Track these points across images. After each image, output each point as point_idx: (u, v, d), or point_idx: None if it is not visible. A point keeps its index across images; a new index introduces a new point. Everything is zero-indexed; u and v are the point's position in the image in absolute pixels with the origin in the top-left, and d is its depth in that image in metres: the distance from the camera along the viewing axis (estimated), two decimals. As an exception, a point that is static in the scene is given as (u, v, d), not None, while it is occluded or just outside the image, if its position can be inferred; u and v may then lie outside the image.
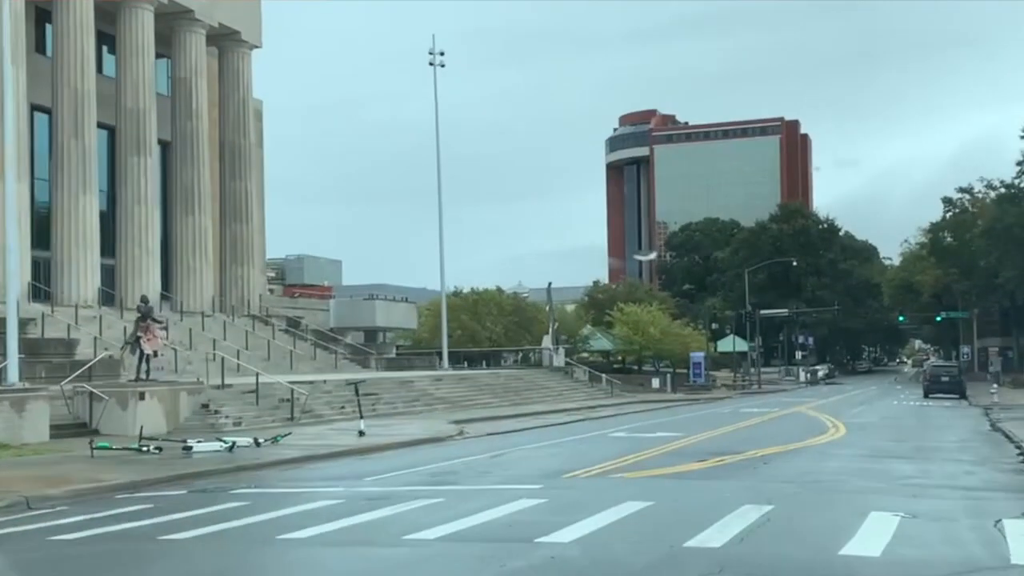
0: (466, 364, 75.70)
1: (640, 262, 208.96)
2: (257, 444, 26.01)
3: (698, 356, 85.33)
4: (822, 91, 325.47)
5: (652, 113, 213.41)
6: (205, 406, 33.74)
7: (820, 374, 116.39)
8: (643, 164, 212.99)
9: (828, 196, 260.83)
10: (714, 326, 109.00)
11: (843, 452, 23.50)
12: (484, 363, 74.82)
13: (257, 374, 37.08)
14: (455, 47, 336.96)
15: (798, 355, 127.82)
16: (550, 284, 69.58)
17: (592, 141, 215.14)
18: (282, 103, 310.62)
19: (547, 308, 71.59)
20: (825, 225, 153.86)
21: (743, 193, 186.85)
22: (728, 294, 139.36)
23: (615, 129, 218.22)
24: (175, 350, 43.88)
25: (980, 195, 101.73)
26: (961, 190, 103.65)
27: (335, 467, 21.59)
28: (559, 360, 67.32)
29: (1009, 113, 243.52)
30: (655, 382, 77.69)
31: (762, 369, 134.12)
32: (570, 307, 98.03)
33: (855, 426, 33.00)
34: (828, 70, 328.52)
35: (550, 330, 68.70)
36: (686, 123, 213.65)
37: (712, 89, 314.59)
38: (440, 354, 66.25)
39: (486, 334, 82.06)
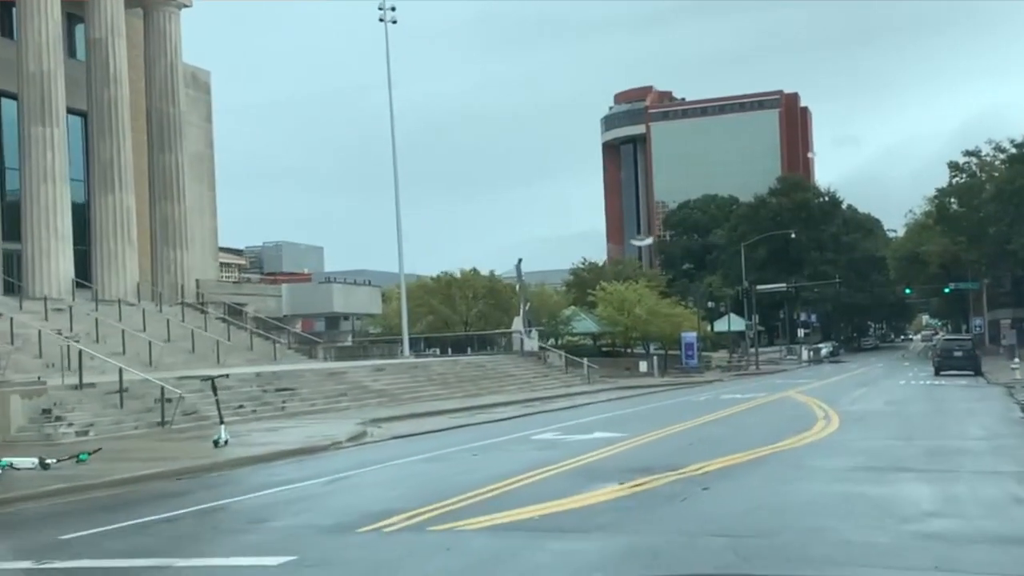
0: (437, 351, 68.89)
1: (639, 245, 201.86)
2: (44, 466, 19.09)
3: (690, 336, 78.25)
4: (821, 70, 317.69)
5: (648, 90, 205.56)
6: (47, 411, 26.82)
7: (823, 352, 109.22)
8: (640, 143, 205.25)
9: (830, 175, 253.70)
10: (710, 305, 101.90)
11: (827, 463, 16.43)
12: (450, 350, 67.89)
13: (120, 369, 30.06)
14: (455, 35, 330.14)
15: (800, 333, 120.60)
16: (520, 261, 62.67)
17: (590, 124, 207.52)
18: (281, 93, 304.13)
19: (516, 288, 64.56)
20: (826, 198, 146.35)
21: (743, 170, 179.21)
22: (727, 272, 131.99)
23: (610, 107, 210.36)
24: (66, 345, 36.97)
25: (988, 158, 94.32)
26: (968, 153, 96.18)
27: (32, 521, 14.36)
28: (532, 344, 60.30)
29: (1011, 87, 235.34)
30: (643, 365, 70.76)
31: (763, 349, 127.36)
32: (560, 288, 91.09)
33: (852, 416, 25.97)
34: (826, 49, 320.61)
35: (521, 312, 61.67)
36: (683, 99, 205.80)
37: (709, 68, 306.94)
38: (412, 340, 59.48)
39: (459, 318, 75.28)
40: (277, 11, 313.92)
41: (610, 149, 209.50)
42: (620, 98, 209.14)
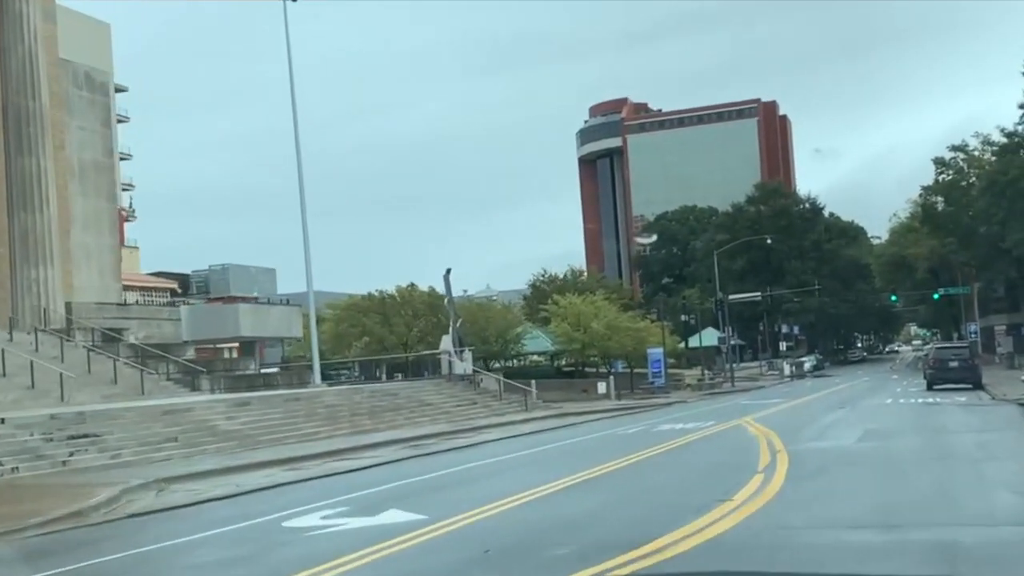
0: (362, 377, 60.06)
1: (619, 256, 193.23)
2: None
3: (656, 353, 69.41)
4: (799, 84, 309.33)
5: (623, 102, 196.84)
6: None
7: (807, 366, 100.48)
8: (616, 156, 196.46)
9: (811, 187, 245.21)
10: (684, 318, 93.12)
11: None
12: (384, 376, 59.11)
13: None
14: (440, 57, 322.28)
15: (783, 347, 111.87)
16: (448, 271, 53.76)
17: (570, 140, 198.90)
18: (251, 123, 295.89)
19: (445, 301, 55.76)
20: (807, 205, 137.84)
21: (723, 180, 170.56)
22: (706, 285, 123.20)
23: (585, 121, 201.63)
24: None
25: (976, 152, 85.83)
26: (955, 148, 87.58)
27: None
28: (463, 367, 51.41)
29: (992, 98, 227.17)
30: (601, 387, 61.84)
31: (744, 364, 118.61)
32: (511, 304, 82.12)
33: (809, 464, 16.84)
34: (804, 64, 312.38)
35: (451, 329, 52.83)
36: (659, 110, 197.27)
37: (687, 85, 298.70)
38: (343, 365, 50.74)
39: (397, 340, 66.46)
40: (259, 39, 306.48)
41: (586, 164, 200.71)
42: (595, 111, 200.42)
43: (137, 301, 56.36)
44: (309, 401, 37.87)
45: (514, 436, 32.56)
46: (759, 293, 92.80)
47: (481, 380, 50.71)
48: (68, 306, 49.14)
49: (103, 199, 61.40)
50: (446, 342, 52.37)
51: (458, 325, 53.07)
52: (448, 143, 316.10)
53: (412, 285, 68.84)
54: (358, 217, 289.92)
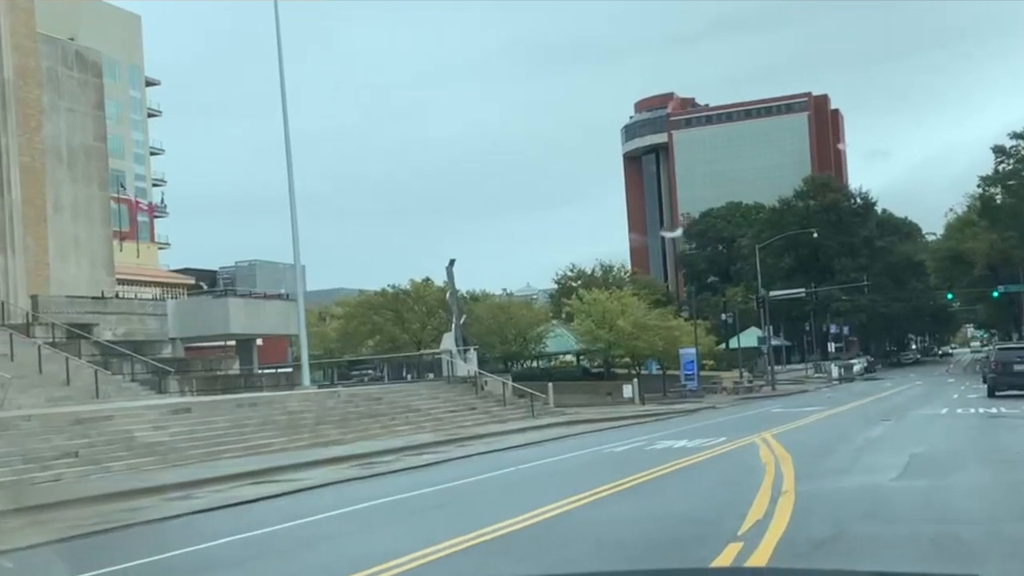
0: (364, 379, 54.96)
1: (664, 256, 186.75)
2: None
3: (688, 353, 63.60)
4: (852, 82, 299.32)
5: (669, 97, 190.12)
6: None
7: (856, 369, 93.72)
8: (662, 152, 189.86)
9: (862, 186, 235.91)
10: (724, 317, 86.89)
11: None
12: (386, 377, 53.95)
13: None
14: (488, 61, 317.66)
15: (831, 348, 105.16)
16: (452, 262, 48.34)
17: (616, 140, 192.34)
18: (311, 125, 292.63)
19: (447, 296, 50.44)
20: (858, 200, 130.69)
21: (771, 177, 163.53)
22: (751, 283, 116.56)
23: (631, 116, 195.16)
24: None
25: (1040, 139, 79.02)
26: (1016, 136, 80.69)
27: None
28: (467, 367, 45.97)
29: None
30: (627, 390, 56.12)
31: (790, 366, 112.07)
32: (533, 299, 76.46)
33: (818, 525, 10.95)
34: (856, 62, 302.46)
35: (452, 327, 47.45)
36: (706, 105, 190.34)
37: (735, 82, 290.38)
38: (355, 363, 45.62)
39: (410, 338, 61.22)
40: (306, 46, 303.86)
41: (631, 161, 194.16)
42: (640, 106, 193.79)
43: (117, 295, 51.41)
44: (268, 407, 32.60)
45: (493, 451, 27.11)
46: (803, 290, 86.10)
47: (486, 383, 45.23)
48: (34, 299, 44.42)
49: (95, 186, 56.84)
50: (448, 341, 46.98)
51: (461, 322, 47.67)
52: (496, 145, 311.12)
53: (427, 280, 63.60)
54: (404, 218, 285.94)
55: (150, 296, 57.47)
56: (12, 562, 11.70)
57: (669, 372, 68.07)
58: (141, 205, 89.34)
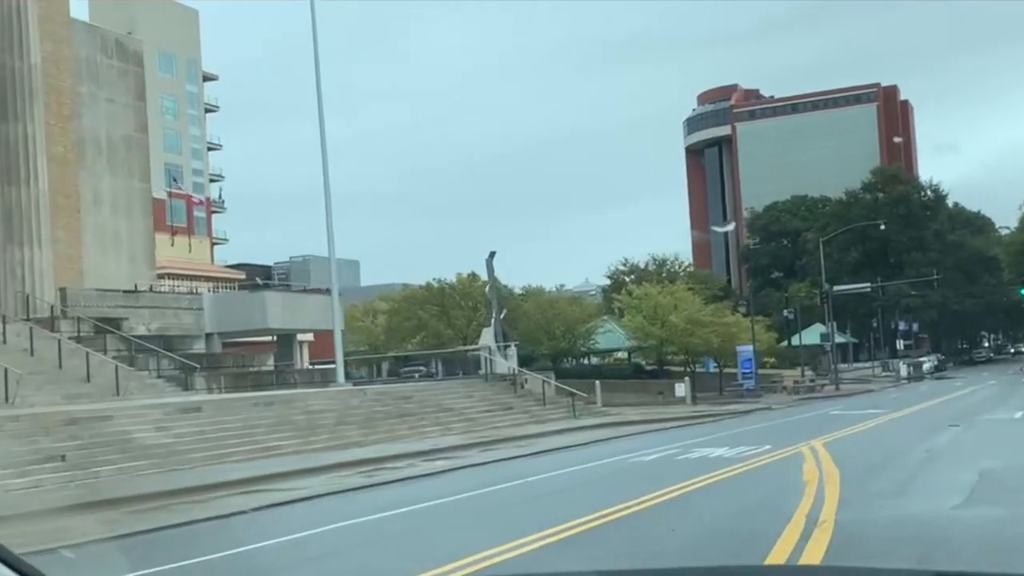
0: (415, 376, 52.98)
1: (727, 251, 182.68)
2: None
3: (746, 351, 60.73)
4: (920, 74, 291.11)
5: (733, 88, 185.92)
6: None
7: (926, 367, 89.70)
8: (725, 145, 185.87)
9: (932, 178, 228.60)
10: (785, 313, 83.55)
11: None
12: (439, 372, 51.80)
13: None
14: (554, 57, 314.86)
15: (900, 345, 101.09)
16: (492, 255, 46.04)
17: (679, 136, 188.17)
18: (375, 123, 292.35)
19: (487, 290, 48.19)
20: (929, 192, 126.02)
21: (838, 170, 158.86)
22: (816, 279, 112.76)
23: (693, 109, 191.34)
24: None
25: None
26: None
27: None
28: (506, 364, 43.65)
29: None
30: (679, 389, 53.43)
31: (856, 364, 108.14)
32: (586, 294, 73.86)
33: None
34: (926, 55, 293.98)
35: (492, 322, 45.19)
36: (771, 97, 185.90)
37: (801, 74, 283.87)
38: (397, 358, 43.62)
39: (455, 333, 59.11)
40: (378, 46, 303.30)
41: (693, 154, 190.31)
42: (703, 98, 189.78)
43: (152, 288, 49.78)
44: (287, 406, 30.57)
45: (516, 457, 24.74)
46: (868, 284, 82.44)
47: (525, 380, 42.85)
48: (62, 292, 42.96)
49: (135, 179, 55.53)
50: (487, 336, 44.68)
51: (502, 317, 45.36)
52: (558, 141, 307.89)
53: (472, 274, 61.36)
54: (464, 216, 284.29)
55: (186, 290, 55.79)
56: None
57: (727, 370, 65.23)
58: (195, 200, 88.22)
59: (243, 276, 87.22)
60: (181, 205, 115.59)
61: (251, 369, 43.32)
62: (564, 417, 39.69)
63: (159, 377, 38.06)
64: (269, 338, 54.73)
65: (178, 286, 65.91)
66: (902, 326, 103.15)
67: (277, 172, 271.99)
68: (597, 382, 52.43)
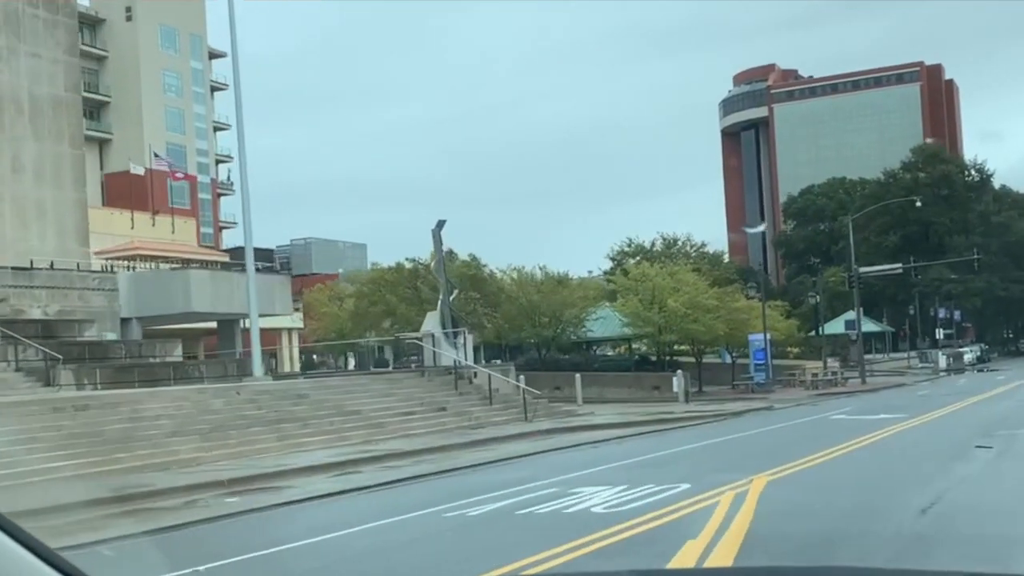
0: (352, 366, 45.67)
1: (764, 237, 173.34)
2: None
3: (757, 340, 52.70)
4: (966, 60, 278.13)
5: (770, 68, 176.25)
6: None
7: (967, 358, 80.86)
8: (762, 127, 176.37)
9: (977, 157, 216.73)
10: (812, 298, 75.04)
11: None
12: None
13: None
14: (591, 50, 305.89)
15: (939, 335, 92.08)
16: (440, 224, 38.36)
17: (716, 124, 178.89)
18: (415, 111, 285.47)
19: (432, 265, 40.70)
20: (973, 172, 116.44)
21: (879, 153, 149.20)
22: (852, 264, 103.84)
23: (729, 90, 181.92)
24: None
25: None
26: None
27: None
28: (453, 354, 36.04)
29: None
30: (676, 384, 45.42)
31: (893, 354, 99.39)
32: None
33: None
34: (972, 39, 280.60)
35: (439, 304, 37.69)
36: (810, 77, 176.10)
37: (843, 59, 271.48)
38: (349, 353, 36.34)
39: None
40: (414, 35, 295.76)
41: (729, 137, 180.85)
42: (739, 79, 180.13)
43: (52, 264, 42.64)
44: (109, 410, 23.17)
45: (361, 489, 17.19)
46: (900, 265, 73.73)
47: (475, 374, 35.20)
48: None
49: (65, 144, 48.50)
50: (431, 322, 37.11)
51: (452, 298, 37.81)
52: (599, 131, 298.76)
53: (450, 252, 53.70)
54: (508, 204, 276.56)
55: (99, 268, 48.61)
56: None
57: (743, 360, 57.32)
58: (176, 175, 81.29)
59: (227, 258, 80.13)
60: (184, 186, 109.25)
61: (151, 360, 36.12)
62: (513, 420, 32.06)
63: (17, 370, 30.94)
64: (213, 324, 47.62)
65: (135, 267, 59.02)
66: (942, 314, 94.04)
67: (301, 156, 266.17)
68: (577, 376, 44.86)
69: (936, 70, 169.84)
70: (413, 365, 39.03)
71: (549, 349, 53.72)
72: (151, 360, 35.91)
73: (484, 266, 53.21)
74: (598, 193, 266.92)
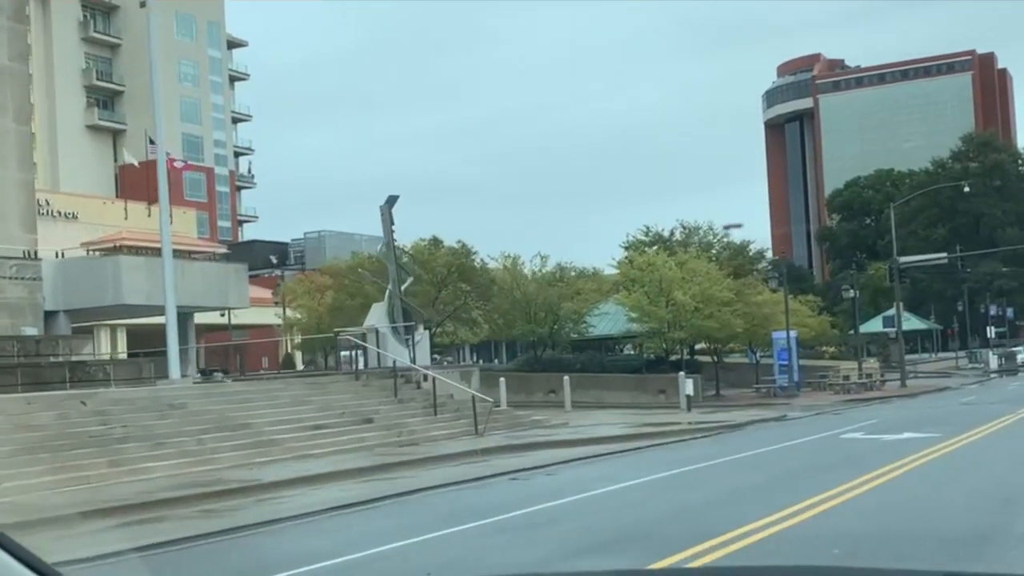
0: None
1: (808, 233, 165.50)
2: None
3: (781, 338, 46.17)
4: (1019, 47, 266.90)
5: (816, 58, 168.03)
6: None
7: (1020, 358, 73.28)
8: (806, 119, 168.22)
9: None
10: (849, 290, 67.94)
11: None
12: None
13: None
14: (639, 48, 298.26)
15: (990, 333, 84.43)
16: (391, 199, 32.21)
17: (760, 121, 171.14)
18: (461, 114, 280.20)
19: (379, 249, 34.69)
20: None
21: (928, 145, 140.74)
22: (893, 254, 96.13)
23: (773, 81, 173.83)
24: None
25: None
26: None
27: None
28: (406, 353, 29.99)
29: None
30: (687, 387, 38.80)
31: (941, 354, 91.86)
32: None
33: None
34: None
35: (386, 296, 31.61)
36: (856, 67, 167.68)
37: (891, 51, 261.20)
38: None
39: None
40: (455, 40, 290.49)
41: (773, 129, 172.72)
42: (783, 69, 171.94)
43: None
44: None
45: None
46: (944, 255, 66.46)
47: (423, 378, 29.09)
48: None
49: (8, 118, 43.13)
50: (376, 315, 31.08)
51: (404, 287, 31.74)
52: (640, 129, 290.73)
53: (435, 239, 47.72)
54: (539, 205, 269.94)
55: (21, 255, 43.16)
56: None
57: (768, 361, 50.82)
58: (175, 163, 75.73)
59: (224, 249, 74.67)
60: (200, 179, 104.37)
61: (53, 359, 30.52)
62: (460, 434, 25.98)
63: None
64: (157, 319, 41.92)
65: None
66: (993, 311, 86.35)
67: (344, 155, 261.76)
68: (566, 378, 38.73)
69: (988, 59, 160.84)
70: (349, 366, 32.91)
71: (547, 348, 47.52)
72: (50, 359, 30.34)
73: (474, 254, 47.01)
74: (639, 192, 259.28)
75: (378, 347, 29.53)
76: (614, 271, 55.89)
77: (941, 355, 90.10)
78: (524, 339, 49.16)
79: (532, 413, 32.55)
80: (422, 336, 31.57)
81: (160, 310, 39.58)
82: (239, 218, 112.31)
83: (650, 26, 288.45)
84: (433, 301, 46.26)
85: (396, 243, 32.66)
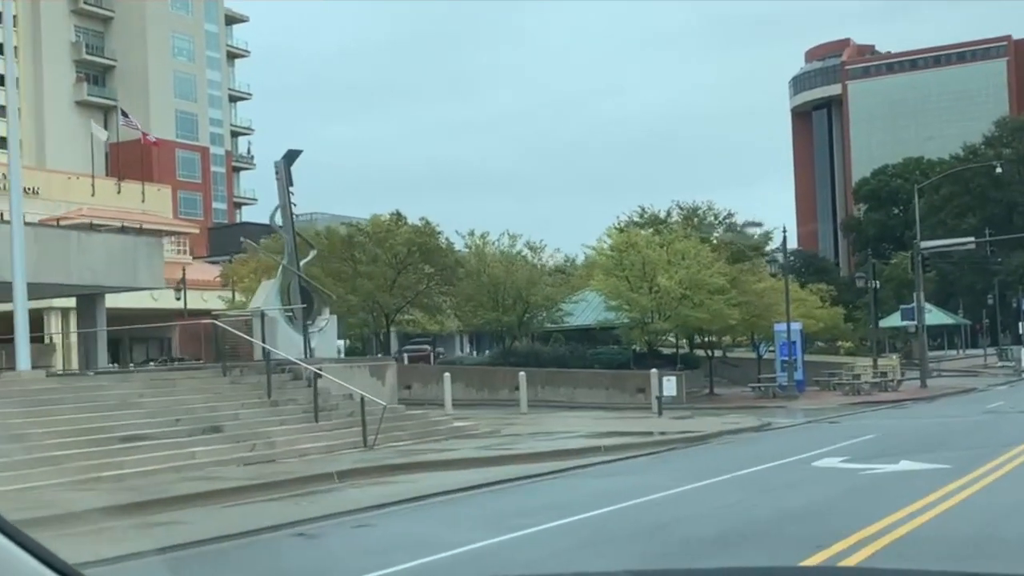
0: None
1: (835, 225, 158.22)
2: None
3: (781, 329, 40.05)
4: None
5: (845, 43, 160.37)
6: None
7: (1055, 356, 66.37)
8: (835, 106, 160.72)
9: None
10: (867, 280, 61.46)
11: None
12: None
13: None
14: (676, 41, 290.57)
15: (1022, 328, 77.48)
16: (291, 154, 26.36)
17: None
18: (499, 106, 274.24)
19: (269, 217, 28.92)
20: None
21: (961, 133, 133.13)
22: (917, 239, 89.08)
23: (800, 67, 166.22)
24: None
25: None
26: None
27: None
28: (302, 344, 24.20)
29: None
30: (667, 387, 32.62)
31: (969, 351, 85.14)
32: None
33: None
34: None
35: (279, 273, 25.84)
36: (887, 52, 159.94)
37: (925, 36, 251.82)
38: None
39: (358, 299, 40.01)
40: (495, 32, 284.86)
41: (800, 117, 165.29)
42: (811, 55, 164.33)
43: None
44: None
45: None
46: (972, 239, 59.88)
47: (319, 377, 23.19)
48: None
49: None
50: (264, 296, 25.32)
51: (304, 262, 25.94)
52: (669, 122, 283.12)
53: (396, 214, 41.91)
54: (570, 194, 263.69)
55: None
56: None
57: (771, 356, 44.78)
58: (148, 138, 70.80)
59: (196, 231, 69.30)
60: (195, 157, 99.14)
61: None
62: (342, 447, 20.20)
63: None
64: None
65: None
66: (1025, 305, 79.33)
67: (384, 143, 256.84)
68: (522, 374, 32.87)
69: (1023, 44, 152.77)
70: (166, 359, 27.03)
71: (515, 339, 41.59)
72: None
73: (439, 233, 41.14)
74: (668, 184, 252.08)
75: (263, 335, 23.66)
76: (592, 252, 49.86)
77: (969, 352, 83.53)
78: (490, 329, 43.30)
79: (468, 416, 26.81)
80: (328, 322, 25.77)
81: (55, 289, 34.08)
82: (236, 200, 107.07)
83: (685, 19, 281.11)
84: (391, 285, 40.50)
85: (294, 207, 26.80)
